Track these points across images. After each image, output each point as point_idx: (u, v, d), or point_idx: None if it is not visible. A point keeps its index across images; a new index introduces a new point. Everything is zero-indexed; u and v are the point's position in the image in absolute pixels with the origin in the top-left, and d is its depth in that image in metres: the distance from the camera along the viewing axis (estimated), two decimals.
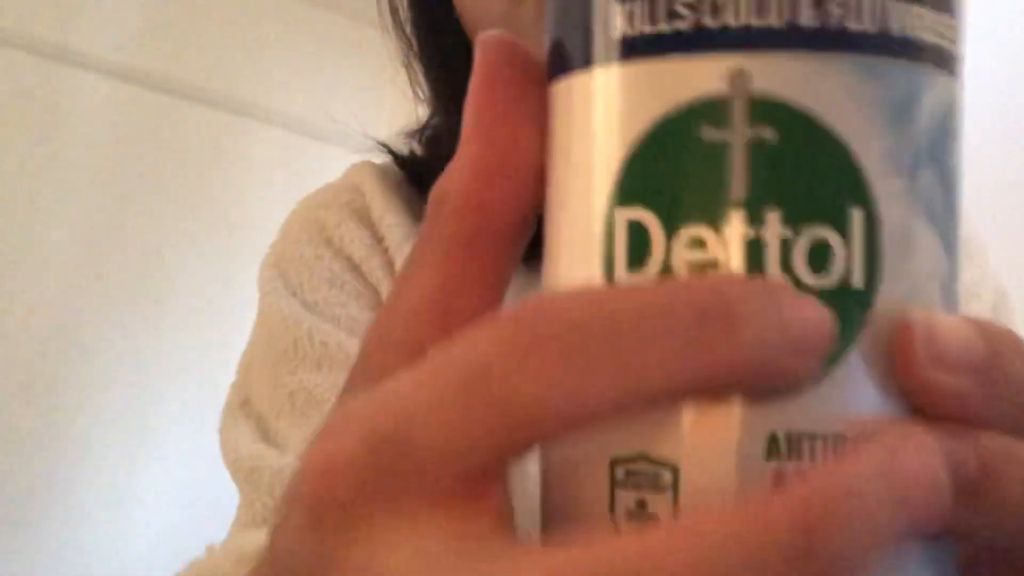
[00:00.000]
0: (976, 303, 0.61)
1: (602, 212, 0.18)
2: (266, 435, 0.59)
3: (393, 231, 0.62)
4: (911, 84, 0.18)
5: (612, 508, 0.17)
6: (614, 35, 0.17)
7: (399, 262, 0.61)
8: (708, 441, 0.17)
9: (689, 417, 0.17)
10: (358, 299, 0.61)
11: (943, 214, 0.18)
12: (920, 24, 0.18)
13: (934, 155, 0.18)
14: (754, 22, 0.16)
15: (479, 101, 0.22)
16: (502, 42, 0.23)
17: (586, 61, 0.18)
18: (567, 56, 0.19)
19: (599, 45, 0.18)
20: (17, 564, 2.33)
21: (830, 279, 0.17)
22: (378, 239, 0.63)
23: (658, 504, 0.17)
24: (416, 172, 0.66)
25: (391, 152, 0.67)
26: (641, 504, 0.17)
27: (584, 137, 0.18)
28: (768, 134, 0.17)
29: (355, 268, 0.62)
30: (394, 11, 0.69)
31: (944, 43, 0.18)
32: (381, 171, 0.66)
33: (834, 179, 0.17)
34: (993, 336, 0.18)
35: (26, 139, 2.46)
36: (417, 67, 0.68)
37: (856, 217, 0.17)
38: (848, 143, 0.17)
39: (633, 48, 0.17)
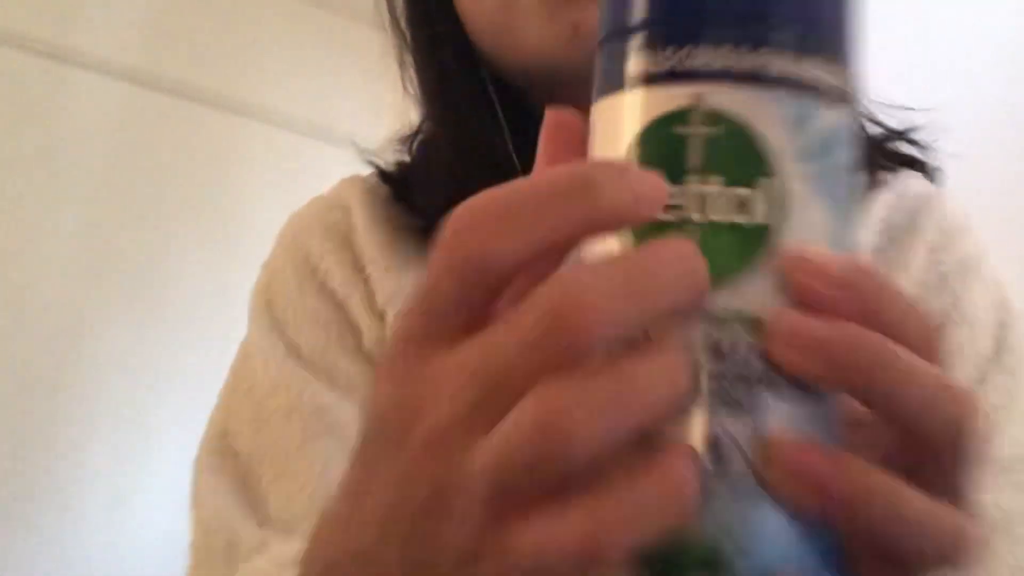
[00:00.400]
0: (969, 328, 0.61)
1: None
2: (246, 491, 0.60)
3: (376, 262, 0.62)
4: (805, 107, 0.27)
5: None
6: (636, 71, 0.28)
7: (380, 294, 0.61)
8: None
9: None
10: (340, 340, 0.62)
11: (829, 190, 0.27)
12: (814, 70, 0.27)
13: (823, 154, 0.27)
14: (710, 67, 0.27)
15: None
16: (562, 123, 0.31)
17: (620, 86, 0.28)
18: (606, 85, 0.29)
19: (628, 77, 0.28)
20: (17, 564, 2.33)
21: (749, 218, 0.26)
22: (360, 268, 0.63)
23: None
24: (403, 186, 0.65)
25: (378, 168, 0.67)
26: None
27: (617, 126, 0.28)
28: (714, 131, 0.27)
29: (338, 306, 0.63)
30: (390, 3, 0.69)
31: (833, 82, 0.28)
32: (369, 189, 0.66)
33: (755, 160, 0.27)
34: (857, 269, 0.27)
35: (26, 139, 2.46)
36: (410, 62, 0.68)
37: (766, 183, 0.26)
38: (764, 139, 0.27)
39: (645, 79, 0.28)
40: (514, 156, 0.61)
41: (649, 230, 0.26)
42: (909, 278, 0.61)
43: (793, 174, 0.26)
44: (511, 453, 0.24)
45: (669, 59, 0.27)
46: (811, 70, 0.27)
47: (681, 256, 0.25)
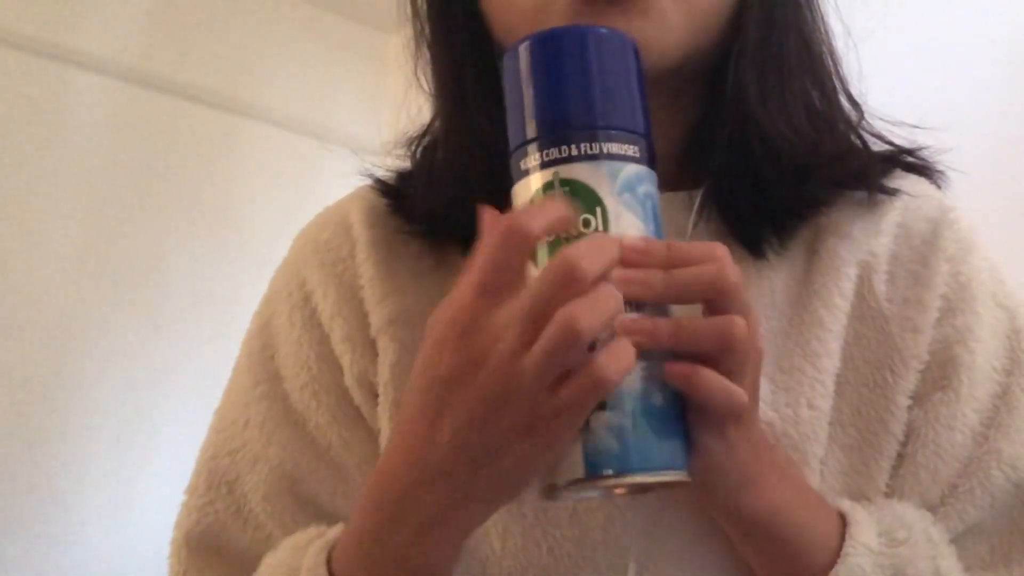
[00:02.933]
0: (982, 343, 0.62)
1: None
2: (240, 510, 0.65)
3: (373, 285, 0.64)
4: (614, 167, 0.48)
5: None
6: (528, 165, 0.50)
7: (374, 322, 0.64)
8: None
9: None
10: (318, 378, 0.65)
11: (639, 210, 0.48)
12: (617, 147, 0.49)
13: (629, 190, 0.48)
14: (561, 157, 0.48)
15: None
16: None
17: (524, 174, 0.50)
18: (517, 174, 0.50)
19: (526, 168, 0.50)
20: (17, 564, 2.33)
21: (591, 230, 0.47)
22: (355, 291, 0.65)
23: None
24: (403, 196, 0.66)
25: (378, 182, 0.67)
26: None
27: (525, 194, 0.49)
28: (567, 188, 0.48)
29: (324, 338, 0.65)
30: None
31: (629, 153, 0.49)
32: (373, 205, 0.67)
33: (591, 199, 0.48)
34: (651, 242, 0.48)
35: (26, 139, 2.46)
36: (425, 53, 0.68)
37: (599, 211, 0.47)
38: (595, 189, 0.48)
39: (533, 168, 0.49)
40: None
41: (544, 248, 0.47)
42: (934, 293, 0.62)
43: (614, 203, 0.48)
44: (547, 347, 0.43)
45: (542, 157, 0.49)
46: (615, 149, 0.49)
47: (603, 244, 0.46)
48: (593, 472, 0.45)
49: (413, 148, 0.68)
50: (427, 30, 0.68)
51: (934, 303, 0.61)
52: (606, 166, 0.48)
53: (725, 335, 0.46)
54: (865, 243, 0.62)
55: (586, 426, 0.45)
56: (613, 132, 0.49)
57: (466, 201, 0.61)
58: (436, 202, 0.63)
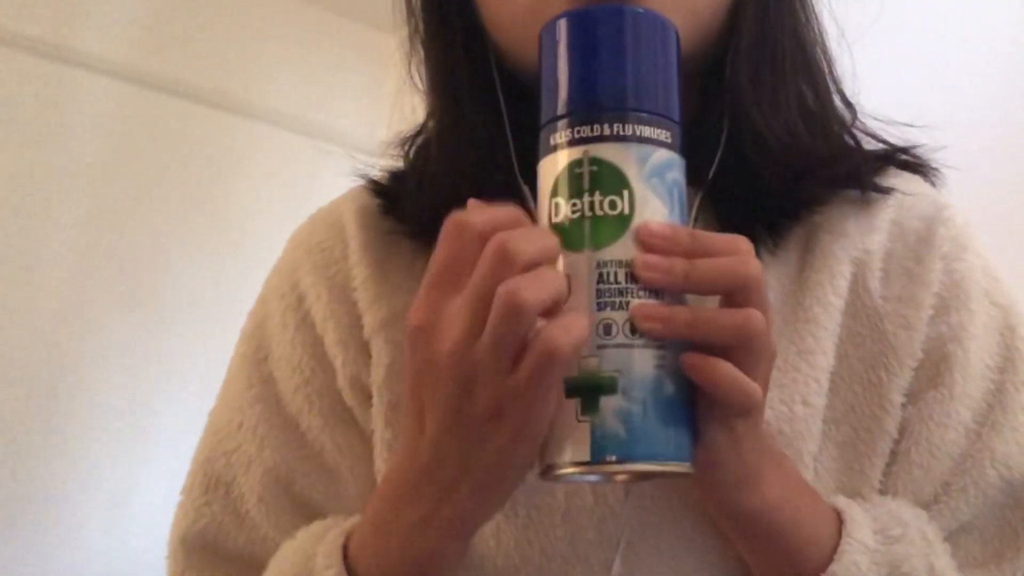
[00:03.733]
0: (977, 341, 0.62)
1: (548, 197, 0.50)
2: (236, 513, 0.66)
3: (367, 287, 0.64)
4: (645, 151, 0.48)
5: None
6: (558, 141, 0.49)
7: (367, 324, 0.64)
8: (581, 264, 0.49)
9: None
10: (311, 382, 0.66)
11: (667, 197, 0.48)
12: (648, 131, 0.49)
13: (657, 175, 0.48)
14: (593, 135, 0.48)
15: None
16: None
17: (552, 150, 0.50)
18: (545, 150, 0.50)
19: (555, 144, 0.50)
20: (17, 565, 2.33)
21: (618, 212, 0.47)
22: (348, 292, 0.65)
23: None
24: (395, 196, 0.67)
25: (371, 183, 0.68)
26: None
27: (552, 169, 0.50)
28: (596, 168, 0.48)
29: (317, 340, 0.65)
30: None
31: (661, 136, 0.49)
32: (366, 206, 0.67)
33: (619, 181, 0.48)
34: (677, 228, 0.48)
35: (26, 139, 2.47)
36: (420, 51, 0.68)
37: (625, 193, 0.48)
38: (624, 171, 0.48)
39: (562, 144, 0.49)
40: (513, 156, 0.61)
41: (565, 227, 0.48)
42: (928, 290, 0.62)
43: (642, 187, 0.48)
44: (495, 324, 0.44)
45: (572, 134, 0.49)
46: (647, 133, 0.48)
47: (541, 232, 0.48)
48: (598, 456, 0.45)
49: (406, 148, 0.69)
50: (421, 27, 0.68)
51: (928, 301, 0.62)
52: (636, 149, 0.48)
53: (743, 328, 0.46)
54: (859, 240, 0.63)
55: (595, 409, 0.45)
56: (646, 115, 0.48)
57: (459, 200, 0.61)
58: (429, 201, 0.63)
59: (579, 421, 0.46)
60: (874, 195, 0.64)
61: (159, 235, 2.63)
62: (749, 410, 0.48)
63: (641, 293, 0.46)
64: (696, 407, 0.47)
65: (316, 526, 0.61)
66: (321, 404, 0.65)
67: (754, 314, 0.46)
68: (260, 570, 0.62)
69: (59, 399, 2.44)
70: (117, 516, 2.47)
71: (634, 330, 0.46)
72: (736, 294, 0.47)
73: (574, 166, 0.48)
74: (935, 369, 0.61)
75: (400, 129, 0.70)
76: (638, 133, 0.48)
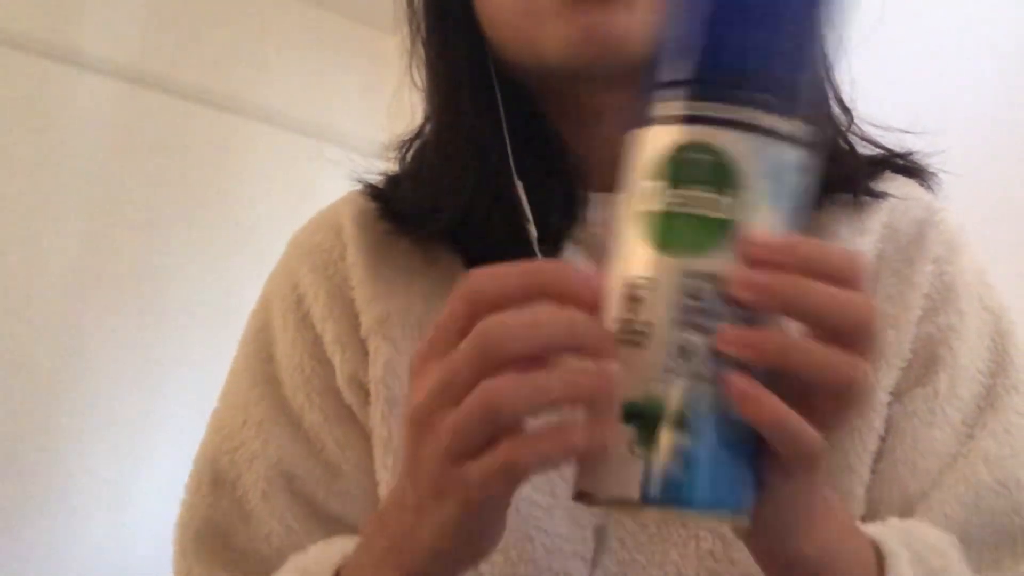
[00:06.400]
0: (968, 344, 0.62)
1: (639, 174, 0.42)
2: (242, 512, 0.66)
3: (364, 286, 0.65)
4: (772, 146, 0.40)
5: None
6: (672, 113, 0.41)
7: (364, 323, 0.64)
8: (667, 270, 0.41)
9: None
10: (311, 379, 0.66)
11: (784, 202, 0.41)
12: (780, 122, 0.40)
13: (777, 178, 0.41)
14: (713, 116, 0.40)
15: None
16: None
17: (663, 120, 0.41)
18: (652, 119, 0.42)
19: (669, 116, 0.41)
20: (17, 565, 2.33)
21: (720, 214, 0.40)
22: (345, 292, 0.65)
23: (646, 295, 0.42)
24: (391, 200, 0.67)
25: (369, 186, 0.68)
26: (638, 295, 0.41)
27: (656, 142, 0.42)
28: (709, 157, 0.40)
29: (316, 339, 0.66)
30: None
31: (789, 132, 0.40)
32: (364, 208, 0.67)
33: (731, 177, 0.40)
34: (789, 239, 0.41)
35: (26, 139, 2.47)
36: (420, 51, 0.69)
37: (736, 193, 0.40)
38: (739, 164, 0.40)
39: (678, 119, 0.41)
40: (511, 159, 0.62)
41: (655, 219, 0.41)
42: (917, 292, 0.62)
43: (757, 188, 0.40)
44: (461, 420, 0.40)
45: (689, 108, 0.41)
46: (779, 125, 0.40)
47: (549, 318, 0.40)
48: (648, 497, 0.39)
49: (403, 151, 0.69)
50: (422, 27, 0.68)
51: (917, 302, 0.62)
52: (761, 142, 0.40)
53: (847, 380, 0.40)
54: (851, 241, 0.63)
55: (653, 444, 0.39)
56: (781, 103, 0.40)
57: (456, 200, 0.62)
58: (426, 202, 0.63)
59: (632, 453, 0.39)
60: (867, 199, 0.64)
61: (159, 235, 2.63)
62: (812, 463, 0.42)
63: (732, 315, 0.39)
64: (760, 451, 0.41)
65: (324, 546, 0.61)
66: (322, 402, 0.65)
67: (864, 367, 0.40)
68: (264, 565, 0.62)
69: (59, 399, 2.44)
70: (117, 516, 2.47)
71: (716, 357, 0.39)
72: (846, 336, 0.40)
73: (682, 149, 0.40)
74: (923, 369, 0.61)
75: (399, 129, 0.71)
76: (768, 125, 0.40)
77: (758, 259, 0.39)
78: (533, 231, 0.61)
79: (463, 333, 0.40)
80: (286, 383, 0.66)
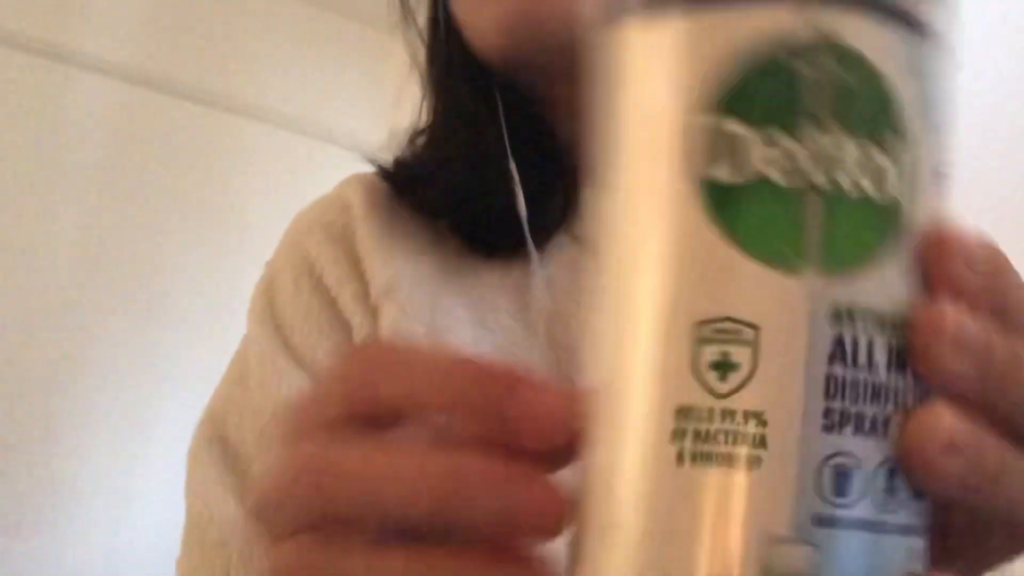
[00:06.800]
0: None
1: (696, 127, 0.21)
2: (236, 477, 0.63)
3: (373, 256, 0.64)
4: (926, 52, 0.22)
5: (694, 363, 0.21)
6: None
7: (373, 289, 0.63)
8: (786, 314, 0.21)
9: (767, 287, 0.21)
10: (330, 336, 0.64)
11: (938, 155, 0.23)
12: (933, 10, 0.22)
13: (934, 113, 0.23)
14: None
15: None
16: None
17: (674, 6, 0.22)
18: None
19: None
20: (16, 564, 2.33)
21: (881, 191, 0.21)
22: (356, 262, 0.65)
23: (741, 355, 0.21)
24: (402, 180, 0.67)
25: (377, 166, 0.69)
26: (725, 356, 0.21)
27: (685, 53, 0.22)
28: (842, 72, 0.21)
29: (331, 302, 0.65)
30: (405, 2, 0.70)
31: (943, 26, 0.23)
32: (370, 185, 0.68)
33: (888, 114, 0.21)
34: (990, 248, 0.24)
35: (26, 139, 2.47)
36: (421, 51, 0.70)
37: (899, 147, 0.21)
38: (896, 88, 0.21)
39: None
40: (510, 156, 0.62)
41: (752, 196, 0.21)
42: None
43: (920, 136, 0.22)
44: (265, 490, 0.27)
45: None
46: (931, 10, 0.22)
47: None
48: None
49: (410, 135, 0.70)
50: (428, 38, 0.69)
51: None
52: (920, 47, 0.22)
53: None
54: None
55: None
56: None
57: (452, 174, 0.63)
58: (429, 181, 0.64)
59: None
60: None
61: (158, 235, 2.63)
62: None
63: (908, 389, 0.21)
64: None
65: None
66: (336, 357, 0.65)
67: None
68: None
69: (58, 399, 2.44)
70: (117, 516, 2.47)
71: (907, 487, 0.21)
72: None
73: (785, 52, 0.21)
74: None
75: (400, 126, 0.72)
76: (924, 13, 0.22)
77: (961, 285, 0.22)
78: (522, 208, 0.61)
79: (334, 418, 0.28)
80: (303, 346, 0.65)
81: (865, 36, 0.21)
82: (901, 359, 0.21)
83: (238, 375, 0.67)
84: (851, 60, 0.21)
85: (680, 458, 0.20)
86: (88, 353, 2.49)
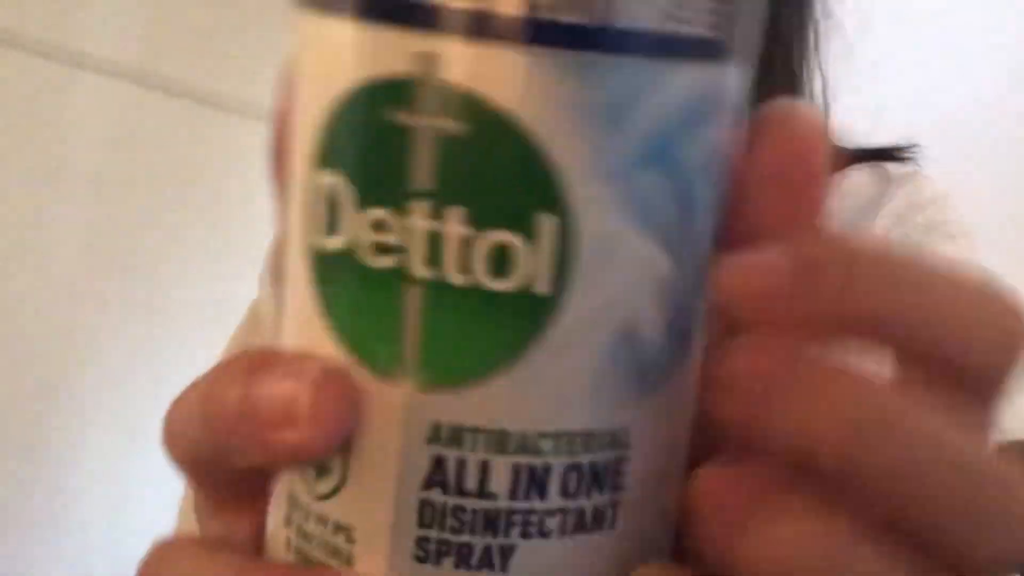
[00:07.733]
0: None
1: (304, 173, 0.19)
2: None
3: None
4: (632, 81, 0.15)
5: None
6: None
7: None
8: (379, 423, 0.17)
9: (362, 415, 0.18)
10: None
11: (668, 215, 0.16)
12: (652, 12, 0.15)
13: (661, 154, 0.16)
14: (452, 3, 0.14)
15: None
16: None
17: (320, 5, 0.17)
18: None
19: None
20: (16, 564, 2.33)
21: (510, 284, 0.16)
22: None
23: (335, 460, 0.18)
24: None
25: None
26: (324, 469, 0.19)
27: (308, 80, 0.17)
28: (455, 126, 0.15)
29: None
30: None
31: (688, 29, 0.15)
32: None
33: (524, 182, 0.15)
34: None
35: (26, 139, 2.46)
36: None
37: (546, 223, 0.15)
38: (545, 145, 0.15)
39: (354, 7, 0.16)
40: None
41: (345, 273, 0.16)
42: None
43: (595, 201, 0.15)
44: None
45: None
46: (646, 13, 0.14)
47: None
48: None
49: None
50: None
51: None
52: (622, 75, 0.15)
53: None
54: None
55: None
56: None
57: None
58: None
59: None
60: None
61: (159, 234, 2.63)
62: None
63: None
64: None
65: None
66: None
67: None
68: None
69: (59, 399, 2.44)
70: (117, 516, 2.46)
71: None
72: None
73: (389, 96, 0.16)
74: None
75: None
76: (626, 16, 0.15)
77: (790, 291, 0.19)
78: None
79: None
80: None
81: (494, 72, 0.14)
82: (537, 480, 0.17)
83: (246, 331, 0.66)
84: (470, 105, 0.15)
85: (288, 546, 0.19)
86: (88, 352, 2.49)
